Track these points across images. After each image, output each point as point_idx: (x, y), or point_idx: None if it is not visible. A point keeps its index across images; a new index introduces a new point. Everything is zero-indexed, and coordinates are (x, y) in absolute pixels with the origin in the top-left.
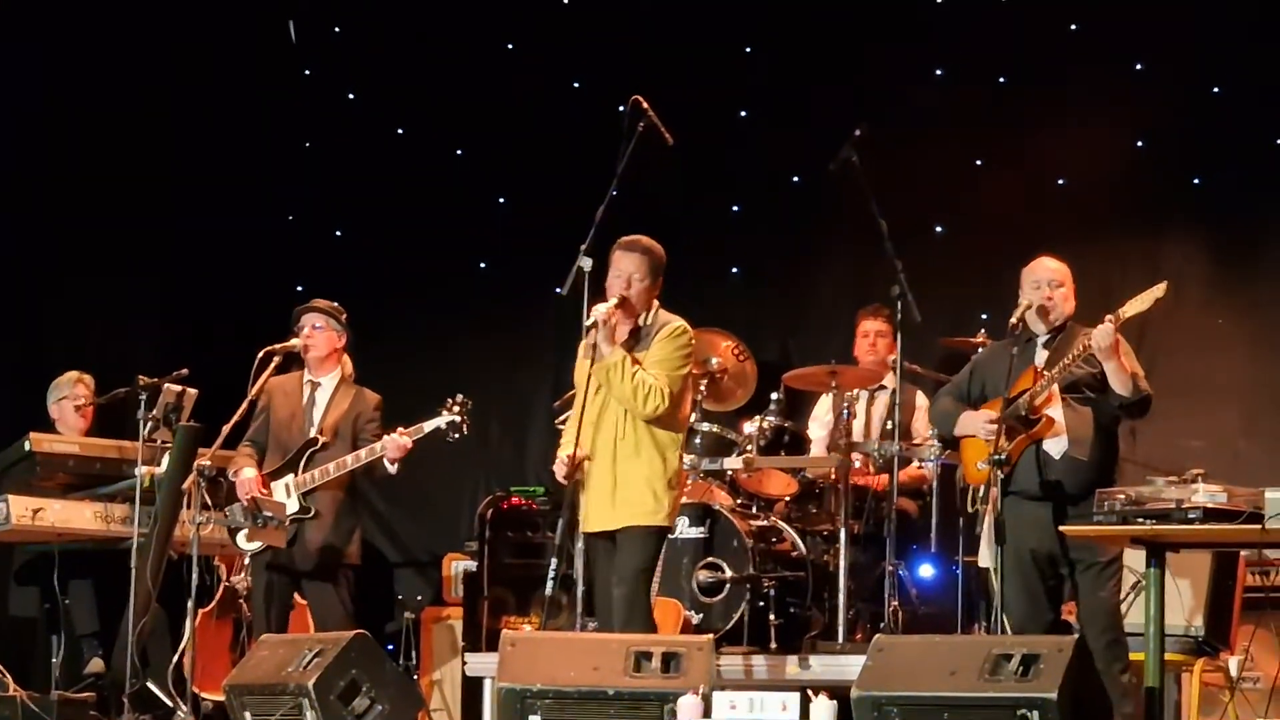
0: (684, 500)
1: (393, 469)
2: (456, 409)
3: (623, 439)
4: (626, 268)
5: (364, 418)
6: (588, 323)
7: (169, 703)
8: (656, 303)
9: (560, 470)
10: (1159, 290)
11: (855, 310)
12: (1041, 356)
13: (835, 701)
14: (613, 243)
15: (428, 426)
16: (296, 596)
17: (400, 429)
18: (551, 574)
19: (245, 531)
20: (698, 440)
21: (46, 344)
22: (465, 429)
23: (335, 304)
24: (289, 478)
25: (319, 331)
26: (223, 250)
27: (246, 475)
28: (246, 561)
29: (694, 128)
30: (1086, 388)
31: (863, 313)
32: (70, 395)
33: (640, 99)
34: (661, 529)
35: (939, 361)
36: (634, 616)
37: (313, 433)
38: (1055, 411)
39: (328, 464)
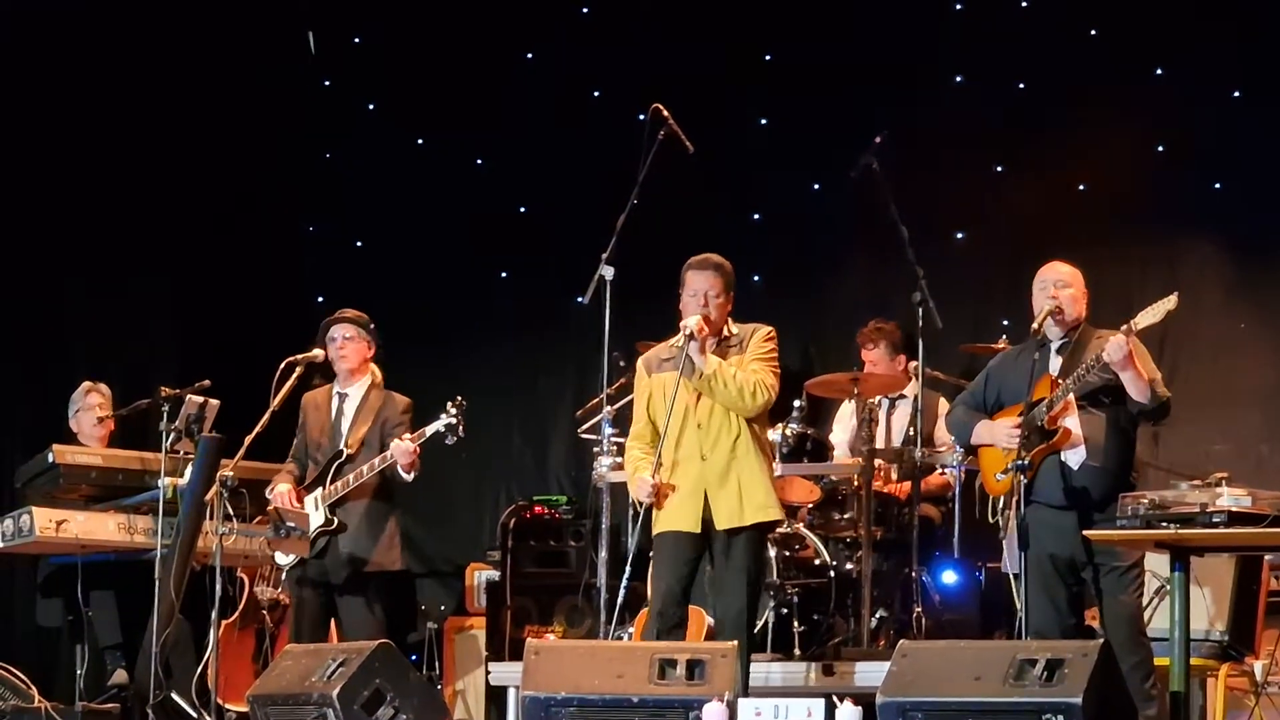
0: None
1: (408, 476)
2: (454, 410)
3: (739, 438)
4: (702, 285)
5: (391, 422)
6: (682, 336)
7: (193, 714)
8: (730, 319)
9: (645, 492)
10: (1170, 302)
11: (876, 316)
12: (1056, 362)
13: (860, 707)
14: (634, 251)
15: (429, 430)
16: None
17: (405, 434)
18: (625, 581)
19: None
20: None
21: (67, 357)
22: (462, 430)
23: (363, 314)
24: (318, 491)
25: (350, 342)
26: (243, 261)
27: (280, 490)
28: (283, 576)
29: (714, 135)
30: (1102, 395)
31: (859, 338)
32: (84, 405)
33: (660, 107)
34: (777, 523)
35: (961, 368)
36: (754, 624)
37: (341, 445)
38: (1072, 422)
39: (349, 474)
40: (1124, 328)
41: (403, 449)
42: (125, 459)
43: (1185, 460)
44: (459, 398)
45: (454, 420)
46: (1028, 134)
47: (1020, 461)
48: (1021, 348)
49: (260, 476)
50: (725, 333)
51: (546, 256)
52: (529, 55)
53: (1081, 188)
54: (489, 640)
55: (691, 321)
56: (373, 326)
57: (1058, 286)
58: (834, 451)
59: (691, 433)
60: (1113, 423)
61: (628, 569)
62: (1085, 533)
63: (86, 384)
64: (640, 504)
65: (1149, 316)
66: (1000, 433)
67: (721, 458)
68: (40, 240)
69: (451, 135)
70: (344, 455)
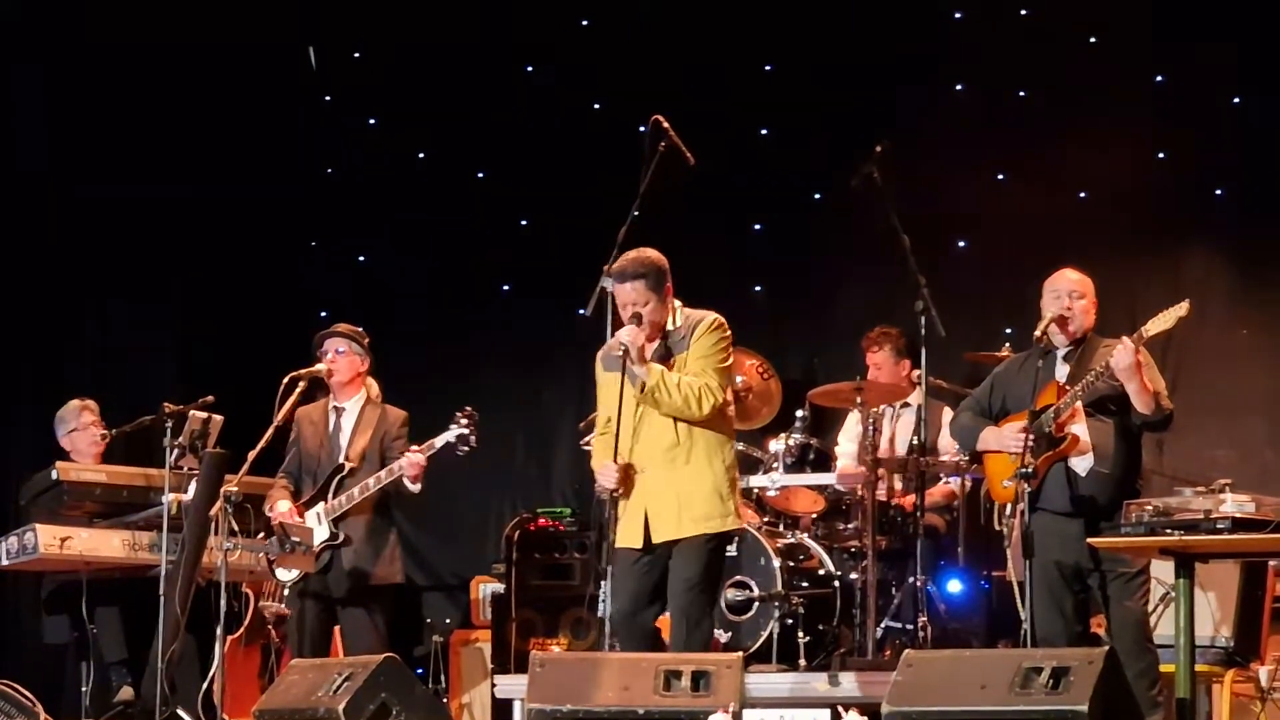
0: None
1: (414, 487)
2: (465, 421)
3: (677, 446)
4: (628, 299)
5: (390, 436)
6: (617, 352)
7: None
8: (678, 303)
9: (610, 478)
10: (1182, 309)
11: (879, 324)
12: (1063, 370)
13: (866, 718)
14: None
15: (439, 441)
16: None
17: (414, 446)
18: (603, 596)
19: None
20: None
21: (70, 374)
22: (474, 441)
23: (357, 328)
24: (319, 506)
25: (341, 356)
26: (246, 277)
27: (280, 508)
28: (285, 591)
29: (715, 146)
30: (1109, 402)
31: (864, 343)
32: (80, 424)
33: (661, 119)
34: (730, 534)
35: (964, 377)
36: (697, 636)
37: (340, 459)
38: (1079, 428)
39: (353, 488)
40: (1133, 336)
41: (412, 461)
42: (129, 475)
43: (1189, 467)
44: (468, 407)
45: (465, 430)
46: (1029, 142)
47: (1025, 469)
48: (1027, 354)
49: (264, 492)
50: (671, 325)
51: (548, 269)
52: (529, 68)
53: (1083, 195)
54: (494, 653)
55: (624, 335)
56: (366, 340)
57: (1072, 297)
58: (840, 461)
59: (636, 446)
60: (1120, 430)
61: (605, 582)
62: (1090, 540)
63: (76, 402)
64: (606, 493)
65: (1160, 323)
66: (1008, 438)
67: (659, 470)
68: (42, 258)
69: (452, 149)
70: (345, 469)
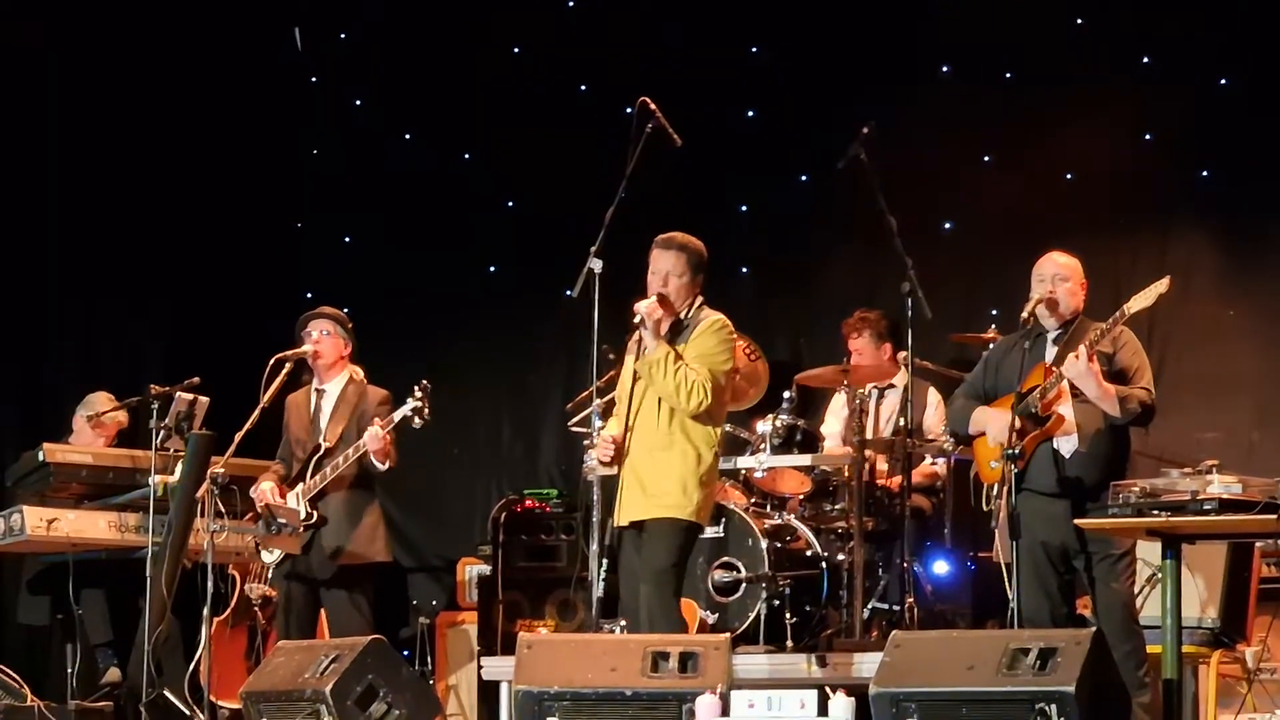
0: None
1: (381, 466)
2: (419, 393)
3: (657, 431)
4: (664, 265)
5: (368, 415)
6: (636, 319)
7: (185, 711)
8: (700, 298)
9: (606, 452)
10: (1162, 285)
11: (864, 307)
12: (1052, 352)
13: (853, 698)
14: (622, 244)
15: (396, 416)
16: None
17: (377, 420)
18: (603, 575)
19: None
20: None
21: (57, 356)
22: (426, 413)
23: (340, 310)
24: (299, 486)
25: (327, 338)
26: (232, 258)
27: (263, 487)
28: (270, 573)
29: (701, 128)
30: None
31: (844, 329)
32: (98, 422)
33: (647, 100)
34: (690, 524)
35: (950, 358)
36: (659, 615)
37: (320, 439)
38: (1066, 409)
39: (326, 467)
40: (1114, 315)
41: (372, 434)
42: (116, 457)
43: (1175, 448)
44: (424, 380)
45: (419, 403)
46: (1015, 124)
47: (1011, 450)
48: (1018, 336)
49: (251, 474)
50: (683, 315)
51: (535, 250)
52: (516, 49)
53: (1069, 177)
54: (481, 635)
55: (642, 306)
56: (350, 325)
57: (1056, 281)
58: (826, 442)
59: (629, 432)
60: (1106, 413)
61: (604, 562)
62: (1077, 521)
63: (105, 400)
64: (600, 467)
65: (1141, 300)
66: (995, 425)
67: (641, 452)
68: (29, 240)
69: (439, 130)
70: (322, 450)
